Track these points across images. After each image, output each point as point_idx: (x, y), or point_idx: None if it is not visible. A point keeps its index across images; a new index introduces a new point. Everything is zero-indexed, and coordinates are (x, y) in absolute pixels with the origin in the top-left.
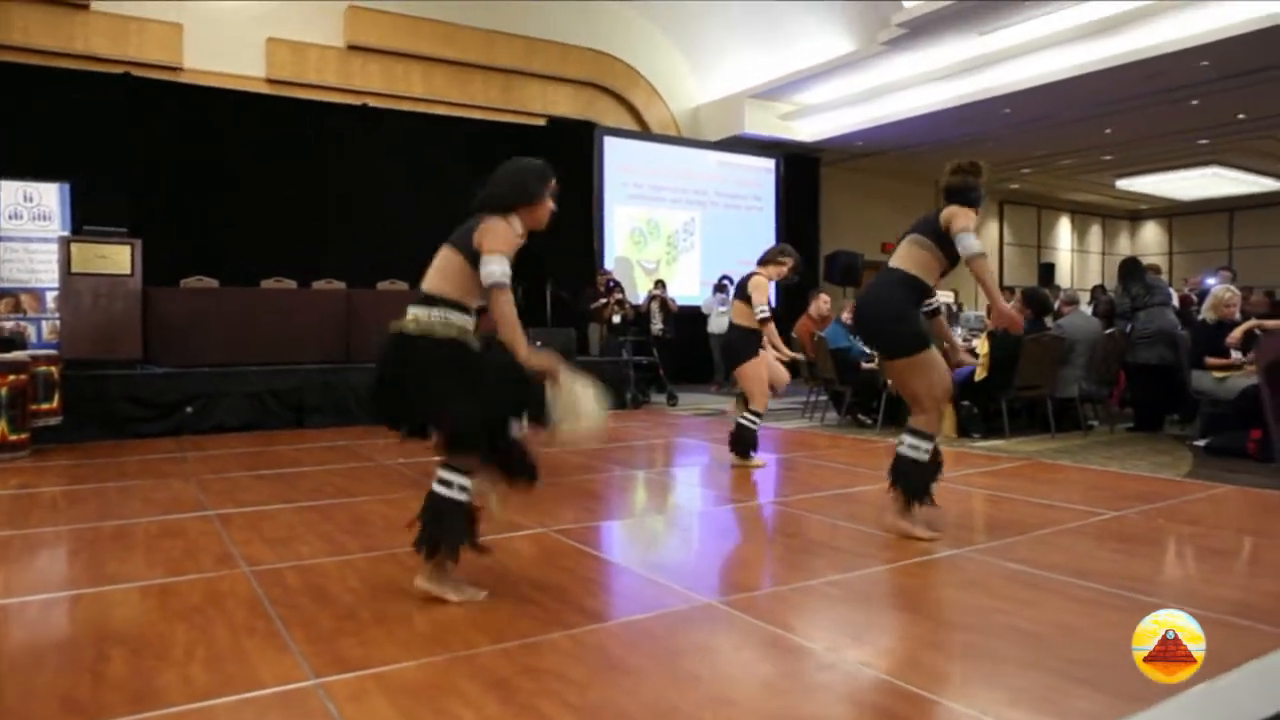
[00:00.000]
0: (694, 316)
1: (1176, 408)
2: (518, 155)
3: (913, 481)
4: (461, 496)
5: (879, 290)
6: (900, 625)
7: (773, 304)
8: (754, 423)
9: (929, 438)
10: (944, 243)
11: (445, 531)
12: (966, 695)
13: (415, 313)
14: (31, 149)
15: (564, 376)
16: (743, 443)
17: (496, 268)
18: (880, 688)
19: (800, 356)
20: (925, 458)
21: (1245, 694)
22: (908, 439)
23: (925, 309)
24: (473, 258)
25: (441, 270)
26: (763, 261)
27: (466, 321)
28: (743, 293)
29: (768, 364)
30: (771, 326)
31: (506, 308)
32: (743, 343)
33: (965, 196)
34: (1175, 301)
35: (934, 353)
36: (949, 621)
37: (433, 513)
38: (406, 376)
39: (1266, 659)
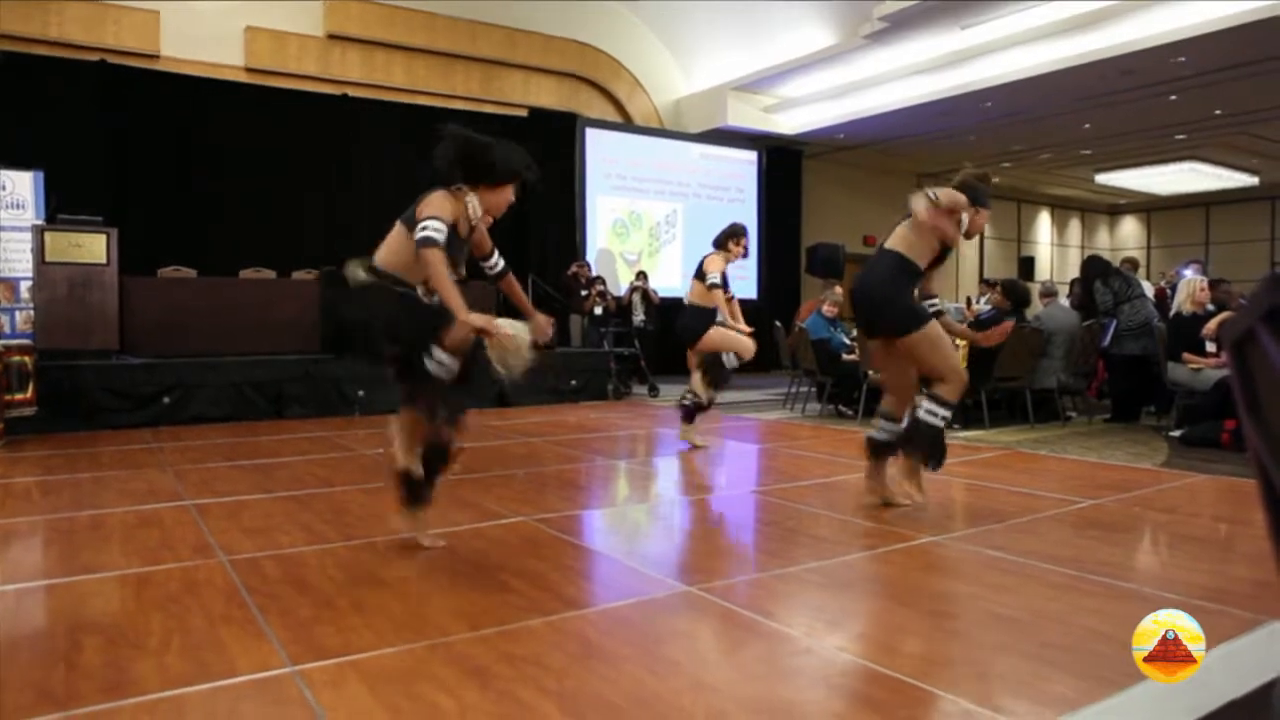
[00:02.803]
0: (676, 308)
1: (1153, 399)
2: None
3: (929, 447)
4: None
5: (873, 273)
6: (878, 611)
7: (732, 292)
8: (694, 399)
9: (950, 406)
10: None
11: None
12: (943, 680)
13: (354, 269)
14: (4, 136)
15: (498, 330)
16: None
17: (429, 225)
18: (858, 672)
19: (748, 330)
20: (941, 425)
21: (1217, 676)
22: (926, 404)
23: (930, 308)
24: (413, 225)
25: (388, 243)
26: (718, 244)
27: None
28: (700, 272)
29: (725, 337)
30: (719, 294)
31: (435, 262)
32: (697, 320)
33: (974, 195)
34: (1151, 294)
35: (938, 326)
36: (927, 607)
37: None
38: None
39: (1237, 641)
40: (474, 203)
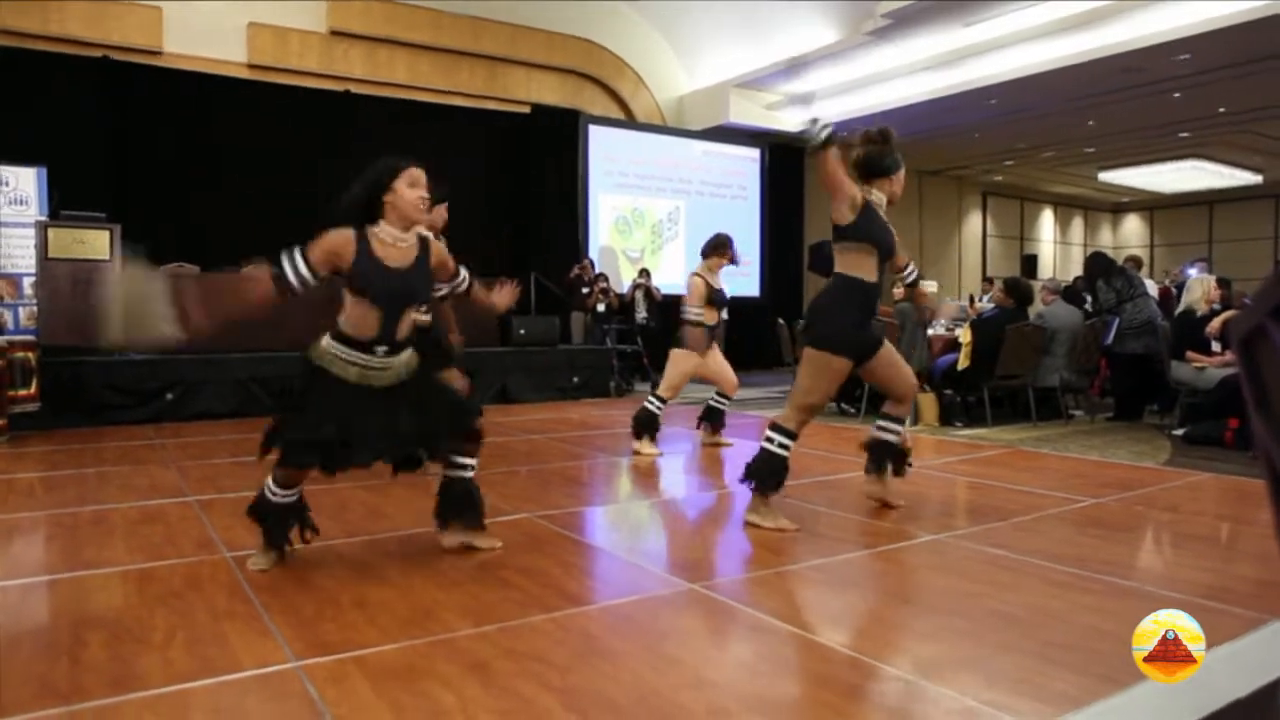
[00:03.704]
0: (678, 306)
1: (1156, 397)
2: (502, 143)
3: (764, 476)
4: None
5: (819, 294)
6: (880, 609)
7: (725, 294)
8: (658, 408)
9: (787, 432)
10: (845, 233)
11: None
12: (946, 677)
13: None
14: (7, 132)
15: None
16: (646, 424)
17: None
18: (859, 669)
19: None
20: (778, 450)
21: (1219, 675)
22: (770, 432)
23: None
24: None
25: None
26: (705, 254)
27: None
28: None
29: (714, 364)
30: (692, 330)
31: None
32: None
33: (879, 166)
34: (1155, 293)
35: (824, 360)
36: (929, 605)
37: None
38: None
39: (1240, 641)
40: (383, 230)
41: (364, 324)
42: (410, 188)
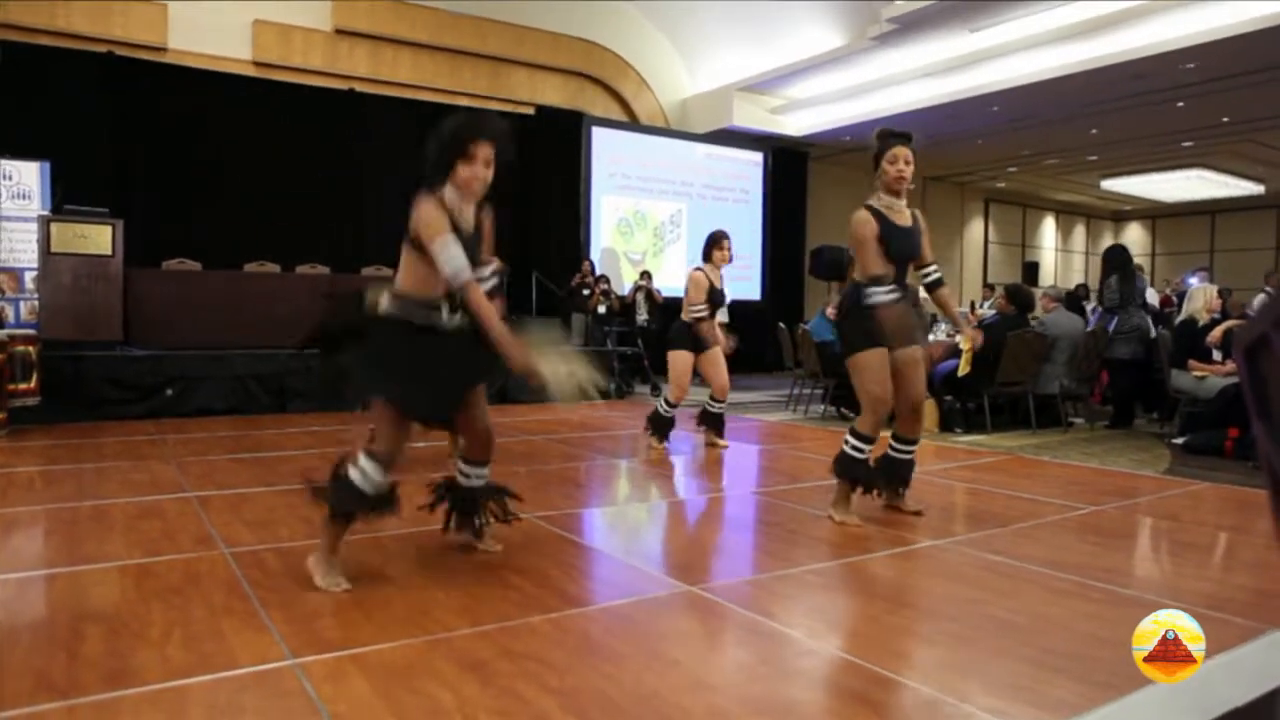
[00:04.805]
0: (679, 308)
1: (1155, 405)
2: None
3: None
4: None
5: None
6: (879, 613)
7: (726, 296)
8: (667, 411)
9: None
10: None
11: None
12: (944, 682)
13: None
14: (11, 126)
15: (542, 365)
16: (656, 425)
17: (450, 258)
18: (858, 674)
19: (729, 350)
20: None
21: (1218, 684)
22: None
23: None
24: (417, 245)
25: (401, 266)
26: (706, 256)
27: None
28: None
29: (712, 363)
30: (703, 325)
31: (477, 301)
32: (674, 334)
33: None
34: (1155, 301)
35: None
36: (928, 610)
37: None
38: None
39: (1238, 650)
40: (449, 194)
41: (436, 283)
42: (474, 165)
